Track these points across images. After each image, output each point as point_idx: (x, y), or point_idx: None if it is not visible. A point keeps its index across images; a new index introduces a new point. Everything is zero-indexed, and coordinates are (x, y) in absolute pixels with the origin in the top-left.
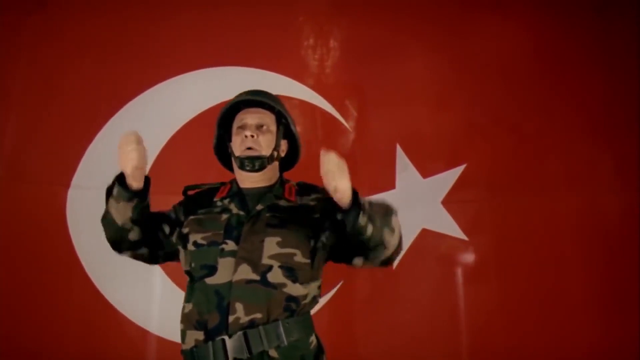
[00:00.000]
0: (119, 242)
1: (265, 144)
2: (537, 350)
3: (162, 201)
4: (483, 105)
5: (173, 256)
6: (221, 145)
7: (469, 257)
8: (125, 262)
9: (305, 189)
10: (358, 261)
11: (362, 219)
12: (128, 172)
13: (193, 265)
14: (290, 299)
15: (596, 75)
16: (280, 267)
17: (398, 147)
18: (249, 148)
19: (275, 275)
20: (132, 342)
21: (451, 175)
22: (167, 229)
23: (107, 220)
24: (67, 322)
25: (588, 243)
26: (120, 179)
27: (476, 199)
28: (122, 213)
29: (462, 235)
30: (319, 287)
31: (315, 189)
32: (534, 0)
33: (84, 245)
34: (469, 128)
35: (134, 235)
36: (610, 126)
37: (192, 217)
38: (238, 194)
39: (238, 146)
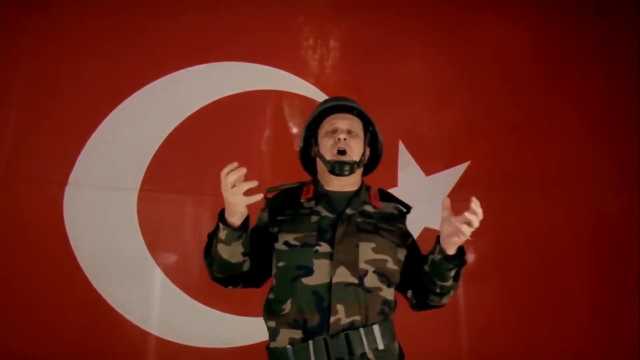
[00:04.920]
0: (234, 277)
1: (355, 149)
2: (537, 350)
3: (161, 200)
4: (484, 104)
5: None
6: (305, 149)
7: (470, 256)
8: (123, 262)
9: (386, 195)
10: (409, 293)
11: (454, 273)
12: (240, 208)
13: (283, 264)
14: (385, 302)
15: (596, 75)
16: (374, 272)
17: (400, 145)
18: (341, 151)
19: (371, 280)
20: (131, 342)
21: (454, 173)
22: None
23: (219, 263)
24: (65, 322)
25: (589, 242)
26: (220, 220)
27: (477, 198)
28: (236, 252)
29: None
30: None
31: (394, 198)
32: (534, 0)
33: (81, 243)
34: (470, 127)
35: (247, 265)
36: (610, 126)
37: (279, 217)
38: (325, 196)
39: (329, 150)
